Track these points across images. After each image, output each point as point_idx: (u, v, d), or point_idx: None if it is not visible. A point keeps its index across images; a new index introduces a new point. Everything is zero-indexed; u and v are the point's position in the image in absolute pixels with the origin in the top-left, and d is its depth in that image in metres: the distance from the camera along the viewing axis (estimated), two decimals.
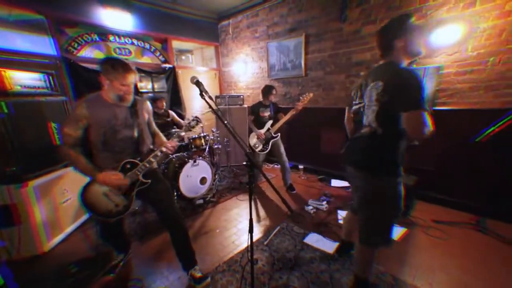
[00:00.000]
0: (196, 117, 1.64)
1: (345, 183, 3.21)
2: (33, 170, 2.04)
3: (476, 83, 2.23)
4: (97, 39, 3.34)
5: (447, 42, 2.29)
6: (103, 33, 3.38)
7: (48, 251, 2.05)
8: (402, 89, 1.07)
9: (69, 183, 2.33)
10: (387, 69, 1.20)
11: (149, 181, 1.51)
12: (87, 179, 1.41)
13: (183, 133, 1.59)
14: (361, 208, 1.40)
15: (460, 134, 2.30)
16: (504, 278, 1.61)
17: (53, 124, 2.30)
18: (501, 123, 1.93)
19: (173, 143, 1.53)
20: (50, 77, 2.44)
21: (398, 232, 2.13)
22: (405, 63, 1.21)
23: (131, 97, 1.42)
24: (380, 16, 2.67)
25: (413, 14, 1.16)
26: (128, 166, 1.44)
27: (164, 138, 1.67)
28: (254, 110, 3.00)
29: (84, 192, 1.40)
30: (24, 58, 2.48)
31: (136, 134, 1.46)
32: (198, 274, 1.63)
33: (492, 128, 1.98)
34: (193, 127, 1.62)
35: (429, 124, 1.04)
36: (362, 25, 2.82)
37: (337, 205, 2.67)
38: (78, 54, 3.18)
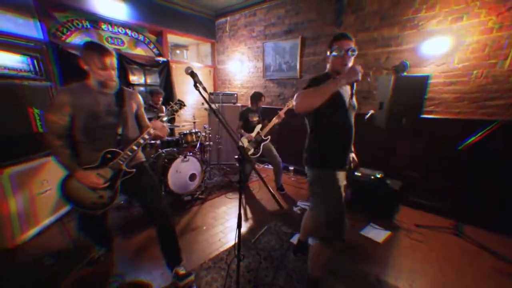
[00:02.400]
0: (179, 100, 1.57)
1: None
2: (10, 157, 1.92)
3: (461, 94, 2.33)
4: (89, 26, 3.23)
5: (436, 53, 2.38)
6: (95, 21, 3.27)
7: (21, 244, 1.94)
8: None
9: (50, 173, 2.22)
10: None
11: (134, 170, 1.46)
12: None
13: (165, 118, 1.53)
14: (312, 203, 1.50)
15: (445, 142, 2.39)
16: (476, 281, 1.68)
17: (35, 110, 2.19)
18: (481, 133, 2.03)
19: (157, 123, 1.45)
20: (35, 61, 2.33)
21: (382, 235, 2.19)
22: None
23: (114, 84, 1.37)
24: (375, 24, 2.74)
25: (345, 35, 1.28)
26: (109, 156, 1.39)
27: (149, 124, 1.58)
28: (243, 115, 3.06)
29: (64, 185, 1.34)
30: (6, 39, 2.33)
31: (119, 122, 1.41)
32: (182, 271, 1.59)
33: (473, 138, 2.07)
34: (176, 110, 1.55)
35: (296, 96, 1.23)
36: (356, 31, 2.89)
37: None
38: (67, 40, 3.06)
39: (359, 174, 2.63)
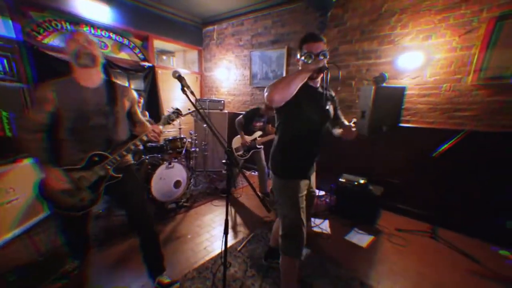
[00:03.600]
0: (177, 109, 1.50)
1: (321, 192, 3.32)
2: None
3: (433, 105, 2.52)
4: (69, 27, 3.11)
5: (410, 67, 2.57)
6: (76, 23, 3.15)
7: None
8: None
9: (17, 180, 2.03)
10: None
11: (120, 175, 1.38)
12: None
13: (161, 126, 1.45)
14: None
15: (421, 149, 2.55)
16: (452, 281, 1.77)
17: (3, 113, 2.03)
18: (451, 141, 2.19)
19: (157, 128, 1.38)
20: (5, 61, 2.18)
21: (366, 239, 2.25)
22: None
23: (88, 57, 1.22)
24: (356, 37, 2.91)
25: (316, 36, 1.20)
26: (96, 158, 1.30)
27: (149, 127, 1.47)
28: (248, 116, 2.93)
29: (43, 184, 1.22)
30: None
31: (109, 123, 1.32)
32: (167, 280, 1.52)
33: (445, 146, 2.23)
34: (173, 120, 1.48)
35: (266, 90, 1.13)
36: (339, 44, 3.05)
37: (311, 213, 2.74)
38: (44, 41, 2.92)
39: (343, 180, 2.71)
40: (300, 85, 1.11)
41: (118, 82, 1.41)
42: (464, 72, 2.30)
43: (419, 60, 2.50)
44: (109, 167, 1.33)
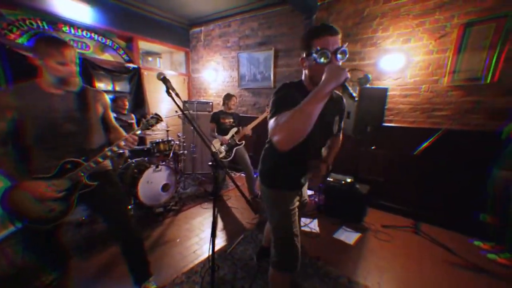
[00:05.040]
0: (156, 114, 1.45)
1: (310, 191, 3.37)
2: None
3: (413, 105, 2.64)
4: (46, 27, 2.98)
5: (392, 69, 2.68)
6: (54, 22, 3.03)
7: None
8: (273, 94, 1.02)
9: None
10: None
11: (95, 183, 1.29)
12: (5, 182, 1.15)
13: (139, 131, 1.39)
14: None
15: (403, 148, 2.66)
16: (432, 272, 1.86)
17: None
18: (430, 140, 2.30)
19: (132, 136, 1.31)
20: None
21: (353, 237, 2.31)
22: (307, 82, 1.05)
23: (76, 80, 1.22)
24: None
25: (331, 29, 0.92)
26: (69, 166, 1.22)
27: (124, 133, 1.43)
28: (215, 117, 3.01)
29: (6, 196, 1.13)
30: None
31: (81, 130, 1.26)
32: (153, 286, 1.48)
33: (424, 144, 2.34)
34: (152, 125, 1.41)
35: (273, 129, 0.88)
36: None
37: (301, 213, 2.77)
38: (17, 40, 2.78)
39: (331, 180, 2.77)
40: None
41: (89, 86, 1.35)
42: (441, 74, 2.42)
43: (400, 62, 2.61)
44: (82, 174, 1.24)
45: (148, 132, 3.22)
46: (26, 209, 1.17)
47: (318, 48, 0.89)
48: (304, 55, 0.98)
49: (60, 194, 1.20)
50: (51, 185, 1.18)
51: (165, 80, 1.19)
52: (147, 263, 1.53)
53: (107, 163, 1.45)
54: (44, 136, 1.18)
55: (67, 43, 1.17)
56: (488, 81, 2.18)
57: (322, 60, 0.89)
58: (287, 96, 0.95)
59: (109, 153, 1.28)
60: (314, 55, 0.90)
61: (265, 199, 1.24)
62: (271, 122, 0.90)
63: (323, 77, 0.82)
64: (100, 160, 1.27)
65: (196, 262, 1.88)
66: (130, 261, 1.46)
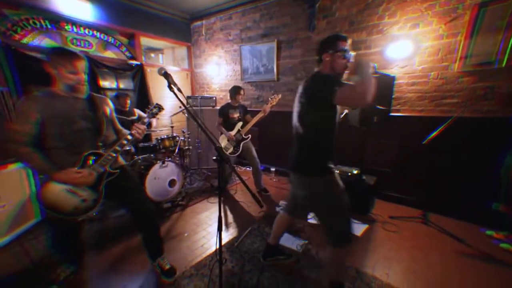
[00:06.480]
0: (157, 103, 1.56)
1: None
2: None
3: (422, 93, 2.56)
4: (49, 26, 3.00)
5: (399, 56, 2.59)
6: (56, 21, 3.04)
7: None
8: (315, 85, 1.26)
9: (2, 187, 1.94)
10: (311, 76, 1.34)
11: (118, 170, 1.46)
12: (28, 181, 1.26)
13: (146, 119, 1.51)
14: (314, 212, 1.49)
15: (412, 138, 2.59)
16: (441, 262, 1.84)
17: None
18: (439, 128, 2.23)
19: (141, 126, 1.44)
20: None
21: (361, 228, 2.29)
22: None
23: (84, 88, 1.36)
24: (345, 28, 2.91)
25: (347, 37, 1.28)
26: (92, 158, 1.37)
27: (127, 134, 1.55)
28: (223, 111, 2.97)
29: (42, 192, 1.26)
30: None
31: (95, 127, 1.40)
32: (167, 266, 1.62)
33: (433, 133, 2.28)
34: (156, 114, 1.55)
35: (358, 91, 1.08)
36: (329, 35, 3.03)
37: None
38: (22, 41, 2.81)
39: (338, 172, 2.73)
40: None
41: (95, 93, 1.49)
42: (451, 59, 2.33)
43: (407, 49, 2.52)
44: (105, 163, 1.38)
45: (153, 128, 3.25)
46: (62, 201, 1.30)
47: (346, 48, 1.24)
48: (330, 51, 1.27)
49: (91, 178, 1.33)
50: (79, 172, 1.31)
51: (166, 75, 1.20)
52: (161, 240, 1.71)
53: (121, 159, 1.60)
54: (63, 133, 1.30)
55: (78, 55, 1.29)
56: (504, 64, 2.08)
57: (348, 56, 1.24)
58: (339, 81, 1.22)
59: (125, 141, 1.41)
60: (345, 53, 1.24)
61: (319, 190, 1.34)
62: (345, 91, 1.12)
63: (362, 63, 1.15)
64: (118, 148, 1.40)
65: (204, 255, 1.91)
66: (147, 236, 1.63)
